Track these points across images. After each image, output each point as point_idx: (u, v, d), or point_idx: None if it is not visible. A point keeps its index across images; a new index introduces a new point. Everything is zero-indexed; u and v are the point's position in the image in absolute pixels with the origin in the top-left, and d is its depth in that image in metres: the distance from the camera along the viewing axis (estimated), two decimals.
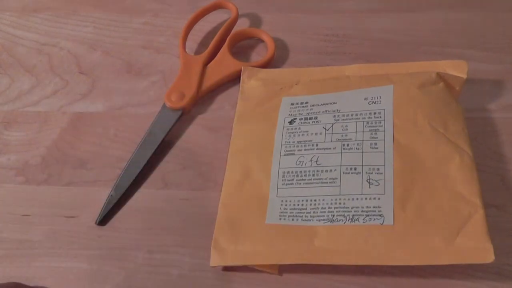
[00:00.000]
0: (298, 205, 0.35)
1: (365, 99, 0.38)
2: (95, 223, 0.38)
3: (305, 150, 0.37)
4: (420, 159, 0.35)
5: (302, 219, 0.34)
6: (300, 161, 0.36)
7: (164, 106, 0.43)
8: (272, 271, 0.34)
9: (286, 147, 0.37)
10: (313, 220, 0.34)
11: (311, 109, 0.39)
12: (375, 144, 0.36)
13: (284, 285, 0.34)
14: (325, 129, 0.37)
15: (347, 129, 0.37)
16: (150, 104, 0.44)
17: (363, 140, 0.36)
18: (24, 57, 0.49)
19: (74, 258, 0.36)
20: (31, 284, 0.34)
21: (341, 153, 0.36)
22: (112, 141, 0.42)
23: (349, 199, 0.34)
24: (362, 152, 0.36)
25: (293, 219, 0.34)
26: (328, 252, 0.33)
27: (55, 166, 0.41)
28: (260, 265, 0.34)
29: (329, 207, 0.34)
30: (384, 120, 0.37)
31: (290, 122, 0.39)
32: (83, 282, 0.35)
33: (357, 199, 0.34)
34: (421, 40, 0.46)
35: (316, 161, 0.36)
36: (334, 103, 0.39)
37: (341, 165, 0.35)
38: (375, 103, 0.38)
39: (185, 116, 0.43)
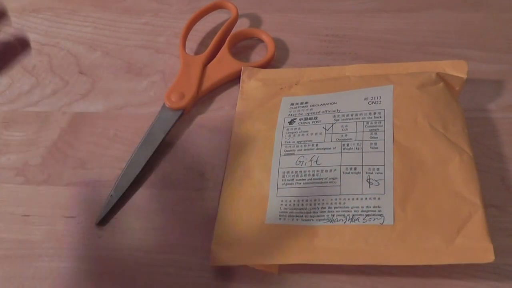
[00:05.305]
0: (298, 205, 0.35)
1: (365, 99, 0.38)
2: (95, 223, 0.38)
3: (305, 150, 0.37)
4: (420, 159, 0.35)
5: (302, 219, 0.34)
6: (300, 161, 0.36)
7: (164, 106, 0.43)
8: (272, 271, 0.34)
9: (286, 147, 0.37)
10: (313, 220, 0.34)
11: (311, 109, 0.39)
12: (375, 144, 0.36)
13: (284, 285, 0.34)
14: (325, 129, 0.37)
15: (347, 129, 0.37)
16: (150, 104, 0.44)
17: (363, 140, 0.36)
18: (24, 57, 0.49)
19: (74, 258, 0.36)
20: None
21: (341, 153, 0.36)
22: (112, 141, 0.42)
23: (349, 199, 0.34)
24: (362, 152, 0.35)
25: (293, 219, 0.34)
26: (328, 252, 0.33)
27: (55, 166, 0.41)
28: (260, 265, 0.34)
29: (329, 207, 0.34)
30: (384, 120, 0.37)
31: (290, 122, 0.39)
32: (83, 282, 0.35)
33: (357, 199, 0.34)
34: (421, 40, 0.46)
35: (316, 161, 0.36)
36: (334, 103, 0.39)
37: (341, 165, 0.35)
38: (375, 103, 0.38)
39: (185, 116, 0.43)
